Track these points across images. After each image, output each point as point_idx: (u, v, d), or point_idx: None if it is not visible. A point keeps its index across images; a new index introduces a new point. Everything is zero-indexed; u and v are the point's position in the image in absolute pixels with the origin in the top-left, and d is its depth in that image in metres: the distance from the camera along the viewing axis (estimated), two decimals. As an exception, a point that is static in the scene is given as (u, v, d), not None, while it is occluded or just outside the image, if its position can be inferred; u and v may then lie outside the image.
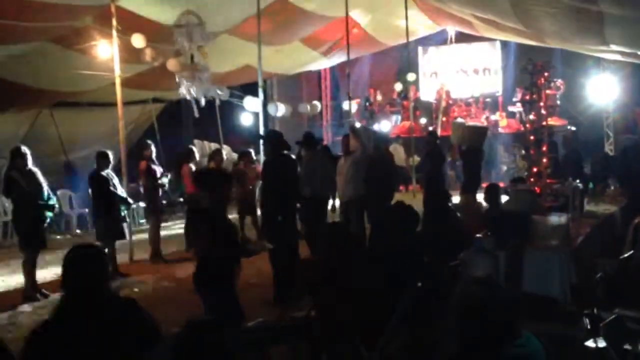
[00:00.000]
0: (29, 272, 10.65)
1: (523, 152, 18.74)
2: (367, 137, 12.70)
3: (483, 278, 5.27)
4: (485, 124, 23.14)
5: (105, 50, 13.67)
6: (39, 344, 3.78)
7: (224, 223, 7.36)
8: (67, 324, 3.83)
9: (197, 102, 14.34)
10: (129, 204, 12.42)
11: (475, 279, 5.11)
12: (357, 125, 18.49)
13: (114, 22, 12.96)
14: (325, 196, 12.41)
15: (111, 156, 11.97)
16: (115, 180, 12.04)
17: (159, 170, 13.39)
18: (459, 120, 22.72)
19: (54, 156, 18.70)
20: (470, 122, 22.90)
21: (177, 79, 14.04)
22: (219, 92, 16.45)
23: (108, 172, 11.87)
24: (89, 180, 12.07)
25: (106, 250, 11.58)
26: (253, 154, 15.25)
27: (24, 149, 10.68)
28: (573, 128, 21.85)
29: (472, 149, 15.06)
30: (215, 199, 7.55)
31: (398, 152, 20.87)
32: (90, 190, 12.22)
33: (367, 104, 26.99)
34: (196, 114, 14.40)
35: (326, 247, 6.27)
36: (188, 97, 14.22)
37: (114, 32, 13.00)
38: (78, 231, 17.62)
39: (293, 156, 11.30)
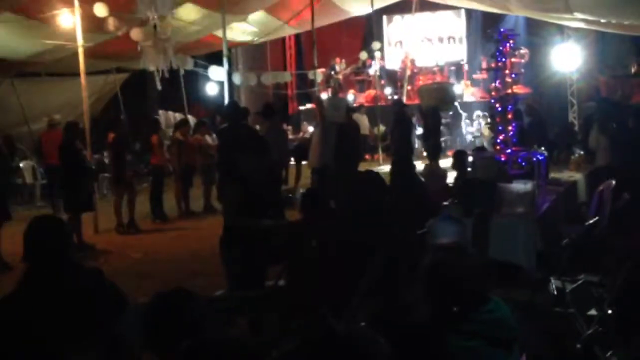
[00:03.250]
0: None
1: (489, 120, 18.82)
2: (333, 107, 12.65)
3: (450, 245, 5.31)
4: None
5: (68, 19, 13.47)
6: (3, 317, 3.75)
7: (259, 191, 7.26)
8: (31, 296, 3.81)
9: (162, 72, 14.17)
10: (95, 175, 12.27)
11: (443, 247, 5.15)
12: (323, 95, 18.43)
13: (76, -9, 12.77)
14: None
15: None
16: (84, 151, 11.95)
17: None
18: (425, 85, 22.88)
19: (17, 126, 18.48)
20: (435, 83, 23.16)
21: (139, 48, 13.88)
22: (183, 61, 16.29)
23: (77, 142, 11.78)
24: (60, 151, 11.94)
25: (74, 221, 11.57)
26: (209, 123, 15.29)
27: None
28: (537, 96, 21.98)
29: (431, 110, 15.08)
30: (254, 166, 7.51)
31: (362, 121, 20.83)
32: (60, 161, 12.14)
33: (333, 72, 26.84)
34: (159, 86, 14.19)
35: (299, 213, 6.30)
36: (152, 69, 14.04)
37: (76, 1, 12.79)
38: (41, 203, 17.39)
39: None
